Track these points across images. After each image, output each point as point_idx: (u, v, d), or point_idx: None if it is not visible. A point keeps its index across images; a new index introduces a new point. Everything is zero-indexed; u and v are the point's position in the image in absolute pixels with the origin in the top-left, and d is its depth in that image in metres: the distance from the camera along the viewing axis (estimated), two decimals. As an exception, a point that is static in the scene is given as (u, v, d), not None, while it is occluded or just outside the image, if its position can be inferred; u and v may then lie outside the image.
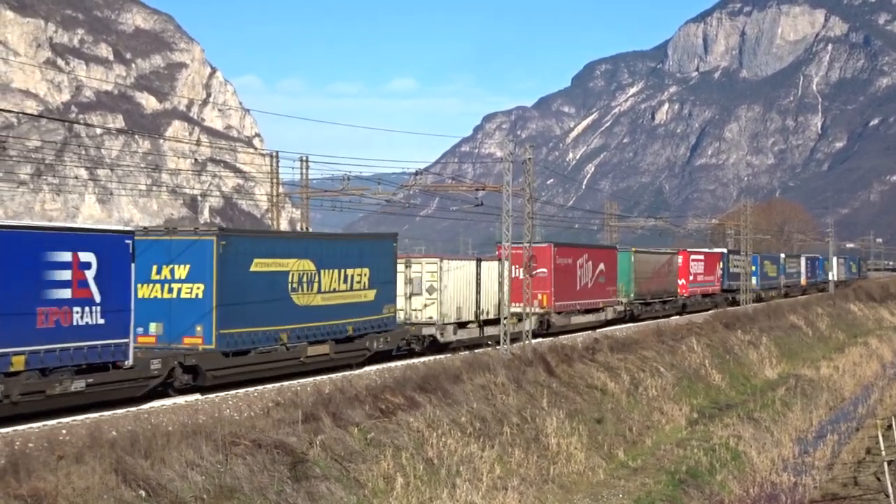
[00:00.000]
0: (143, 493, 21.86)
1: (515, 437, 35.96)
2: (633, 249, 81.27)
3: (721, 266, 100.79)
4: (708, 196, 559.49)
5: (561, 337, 61.38)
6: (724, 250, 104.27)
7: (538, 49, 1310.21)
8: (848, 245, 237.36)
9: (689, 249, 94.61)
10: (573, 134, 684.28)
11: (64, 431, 26.85)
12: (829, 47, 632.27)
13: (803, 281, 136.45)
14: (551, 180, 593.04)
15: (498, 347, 49.07)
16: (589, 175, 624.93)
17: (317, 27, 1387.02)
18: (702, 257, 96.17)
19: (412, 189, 65.94)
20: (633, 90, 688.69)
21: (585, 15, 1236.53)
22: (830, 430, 50.43)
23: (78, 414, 30.28)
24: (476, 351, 47.89)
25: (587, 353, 51.23)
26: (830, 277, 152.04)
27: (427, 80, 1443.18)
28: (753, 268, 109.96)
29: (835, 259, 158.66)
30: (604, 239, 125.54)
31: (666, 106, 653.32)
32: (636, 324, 76.05)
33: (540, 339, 56.57)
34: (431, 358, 47.11)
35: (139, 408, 31.83)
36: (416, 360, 46.61)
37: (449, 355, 47.97)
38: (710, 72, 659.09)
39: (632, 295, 78.86)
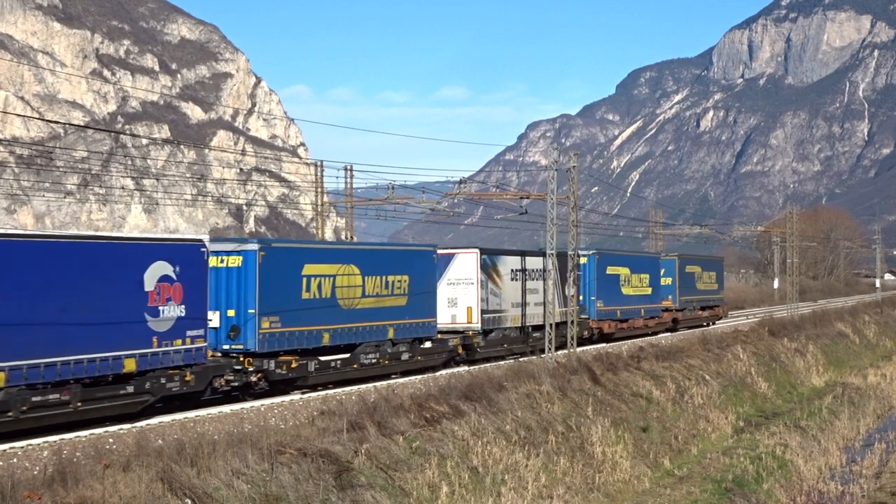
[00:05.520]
0: (189, 501, 21.96)
1: (560, 446, 35.92)
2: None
3: None
4: (753, 203, 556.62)
5: (607, 345, 61.25)
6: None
7: (583, 57, 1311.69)
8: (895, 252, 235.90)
9: None
10: (618, 142, 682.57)
11: (111, 440, 27.04)
12: (876, 53, 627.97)
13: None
14: (596, 188, 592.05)
15: (543, 355, 49.10)
16: (633, 183, 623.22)
17: (367, 36, 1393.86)
18: None
19: (456, 198, 66.07)
20: (677, 97, 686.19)
21: (629, 22, 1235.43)
22: (878, 439, 50.02)
23: (125, 422, 30.52)
24: (521, 359, 48.05)
25: (632, 361, 51.15)
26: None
27: (478, 88, 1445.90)
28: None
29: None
30: (649, 247, 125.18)
31: (711, 113, 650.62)
32: (682, 332, 75.70)
33: (584, 347, 56.55)
34: (476, 367, 47.23)
35: (185, 416, 32.03)
36: (460, 369, 46.76)
37: (494, 363, 48.11)
38: (755, 78, 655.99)
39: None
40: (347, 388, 39.58)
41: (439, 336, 48.20)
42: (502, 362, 48.79)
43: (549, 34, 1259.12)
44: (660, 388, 48.44)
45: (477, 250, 52.11)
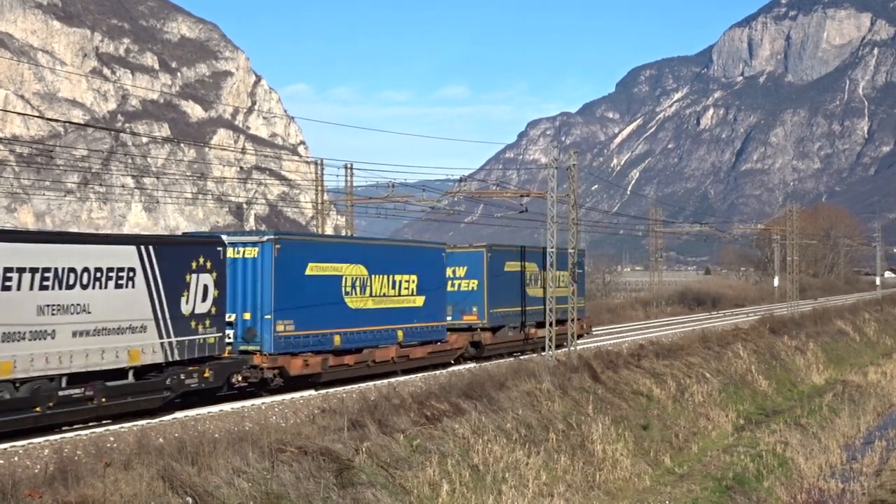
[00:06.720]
0: (189, 500, 21.94)
1: (561, 444, 35.89)
2: None
3: None
4: (753, 201, 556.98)
5: (606, 343, 61.12)
6: None
7: (583, 55, 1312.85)
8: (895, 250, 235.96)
9: None
10: (618, 140, 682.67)
11: (112, 438, 27.01)
12: (876, 51, 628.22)
13: None
14: (596, 186, 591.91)
15: (543, 354, 49.04)
16: (634, 181, 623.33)
17: (367, 36, 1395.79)
18: None
19: (456, 196, 66.03)
20: (677, 95, 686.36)
21: (629, 21, 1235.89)
22: (879, 437, 50.02)
23: (125, 421, 30.50)
24: (521, 357, 47.95)
25: (633, 359, 51.11)
26: None
27: (478, 87, 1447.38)
28: None
29: None
30: (648, 245, 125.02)
31: (711, 111, 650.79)
32: (681, 330, 75.50)
33: (585, 345, 56.38)
34: (476, 365, 47.09)
35: (186, 414, 32.00)
36: (461, 367, 46.64)
37: (494, 362, 47.94)
38: (755, 76, 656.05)
39: None
40: (348, 387, 39.52)
41: None
42: (503, 360, 48.54)
43: (549, 33, 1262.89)
44: (660, 386, 48.42)
45: None
